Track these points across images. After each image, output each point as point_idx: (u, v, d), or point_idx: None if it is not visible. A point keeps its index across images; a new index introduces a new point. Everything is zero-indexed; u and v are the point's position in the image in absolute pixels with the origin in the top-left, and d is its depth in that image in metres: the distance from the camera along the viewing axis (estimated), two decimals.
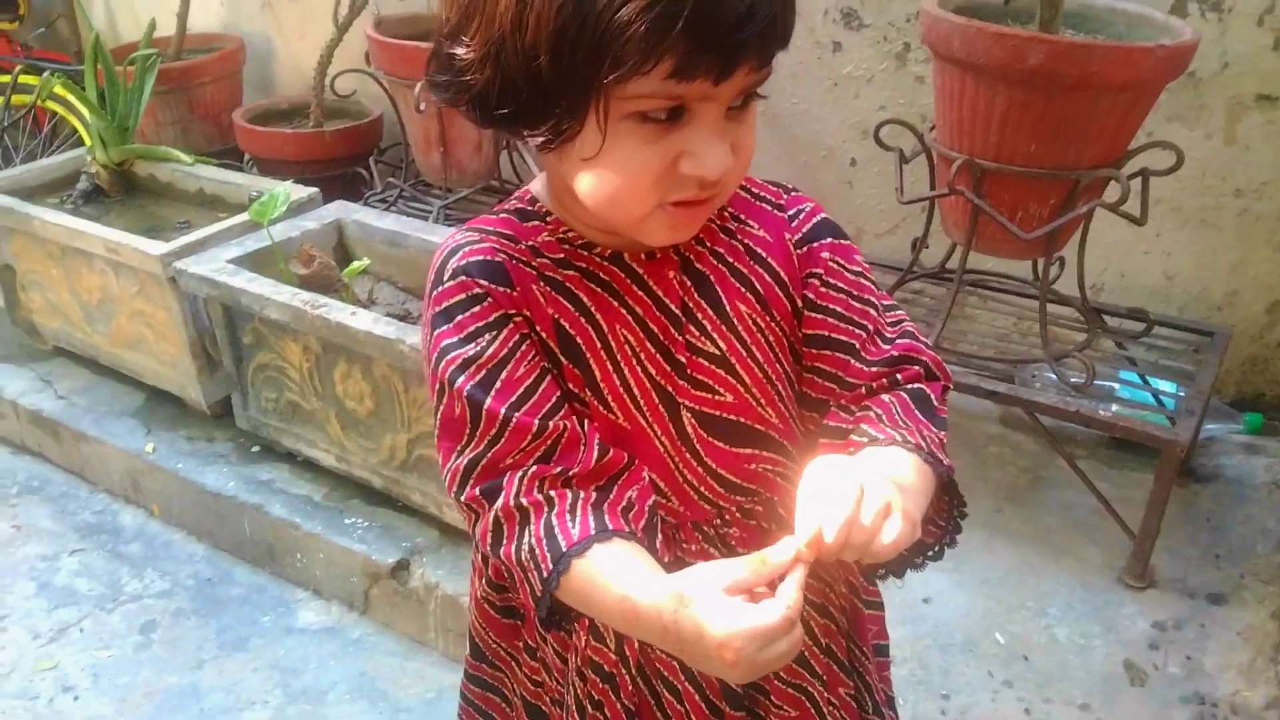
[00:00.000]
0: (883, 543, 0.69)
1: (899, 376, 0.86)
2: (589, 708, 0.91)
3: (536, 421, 0.79)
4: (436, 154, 2.67)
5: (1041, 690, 1.68)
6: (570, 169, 0.77)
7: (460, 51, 0.75)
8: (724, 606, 0.68)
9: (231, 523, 2.11)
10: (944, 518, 0.85)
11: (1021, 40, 1.63)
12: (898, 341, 0.87)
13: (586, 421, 0.83)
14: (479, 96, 0.75)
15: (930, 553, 0.85)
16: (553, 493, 0.79)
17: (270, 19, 3.45)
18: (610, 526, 0.78)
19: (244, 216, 2.21)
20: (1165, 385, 2.00)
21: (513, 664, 0.99)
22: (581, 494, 0.80)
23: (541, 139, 0.76)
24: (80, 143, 3.05)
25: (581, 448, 0.81)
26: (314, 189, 2.39)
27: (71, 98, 2.71)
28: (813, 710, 0.93)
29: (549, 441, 0.80)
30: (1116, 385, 2.02)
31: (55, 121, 3.27)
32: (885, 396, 0.85)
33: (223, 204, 2.49)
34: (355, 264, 2.08)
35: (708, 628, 0.68)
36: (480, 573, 0.96)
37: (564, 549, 0.76)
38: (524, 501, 0.78)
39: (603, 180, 0.75)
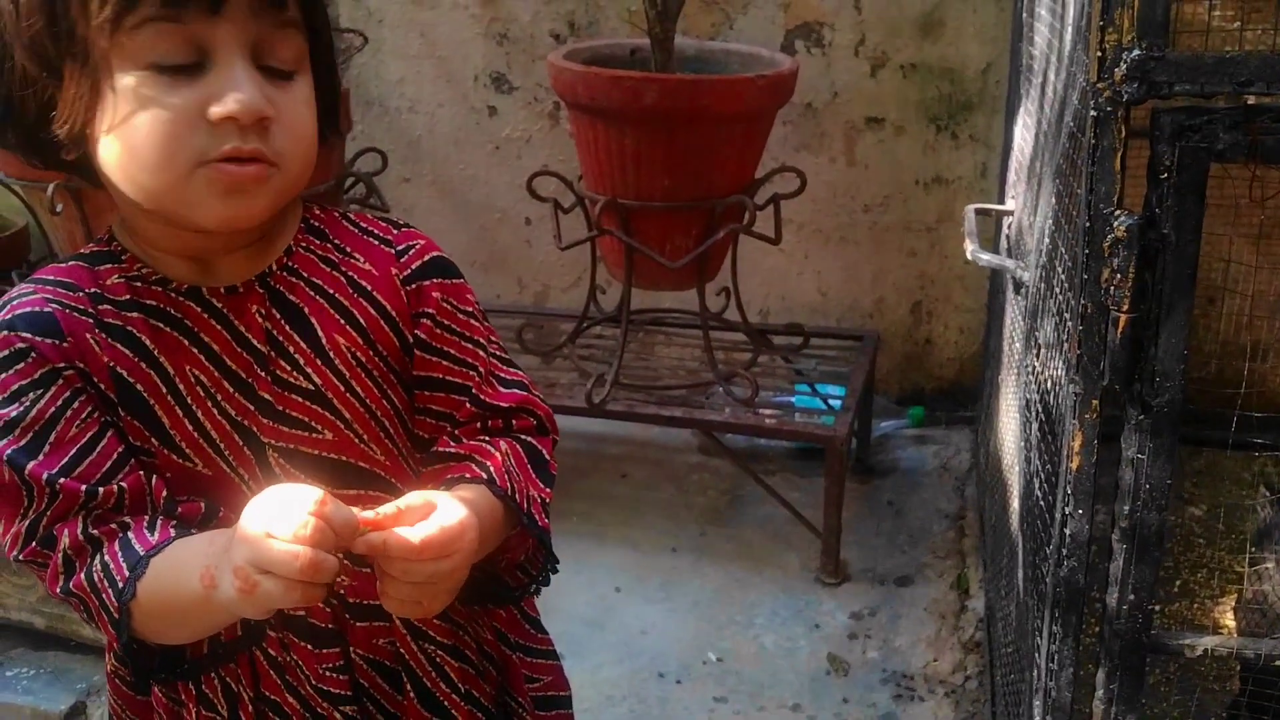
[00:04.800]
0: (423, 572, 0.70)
1: (514, 423, 0.87)
2: None
3: (85, 488, 0.74)
4: None
5: (754, 699, 1.72)
6: (104, 155, 0.73)
7: None
8: (255, 515, 0.67)
9: None
10: (536, 567, 0.87)
11: (636, 81, 1.73)
12: (515, 390, 0.87)
13: (155, 477, 0.78)
14: (11, 113, 0.75)
15: (512, 594, 0.88)
16: (128, 520, 0.75)
17: None
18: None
19: None
20: (834, 390, 2.14)
21: None
22: (160, 519, 0.76)
23: (66, 129, 0.73)
24: None
25: (147, 506, 0.77)
26: None
27: None
28: None
29: (109, 504, 0.75)
30: (793, 398, 2.14)
31: None
32: (501, 443, 0.84)
33: None
34: None
35: (237, 534, 0.67)
36: (110, 646, 0.87)
37: (141, 553, 0.73)
38: (94, 532, 0.74)
39: (130, 144, 0.72)
